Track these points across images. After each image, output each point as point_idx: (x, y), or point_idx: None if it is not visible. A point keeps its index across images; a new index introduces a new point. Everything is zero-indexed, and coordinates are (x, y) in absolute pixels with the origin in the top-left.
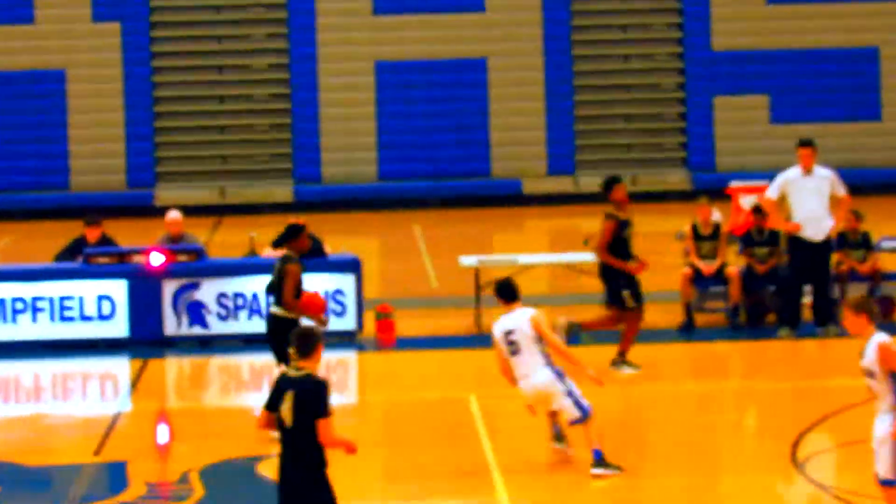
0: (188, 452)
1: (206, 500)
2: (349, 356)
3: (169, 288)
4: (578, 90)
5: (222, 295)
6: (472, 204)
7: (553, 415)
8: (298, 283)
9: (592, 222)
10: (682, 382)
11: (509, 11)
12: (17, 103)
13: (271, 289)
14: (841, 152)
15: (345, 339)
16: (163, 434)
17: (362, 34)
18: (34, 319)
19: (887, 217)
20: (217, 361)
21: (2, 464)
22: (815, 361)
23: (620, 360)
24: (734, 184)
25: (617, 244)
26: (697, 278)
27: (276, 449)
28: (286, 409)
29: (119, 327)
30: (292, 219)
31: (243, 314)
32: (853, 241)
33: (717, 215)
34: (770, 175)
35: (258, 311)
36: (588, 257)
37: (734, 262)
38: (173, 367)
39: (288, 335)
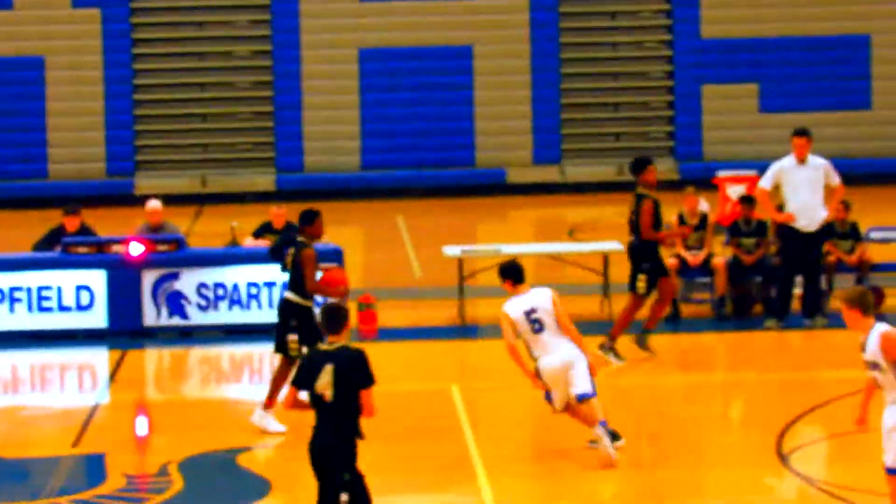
0: (167, 444)
1: (186, 492)
2: None
3: (148, 278)
4: (565, 78)
5: (203, 285)
6: (456, 193)
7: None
8: (316, 268)
9: (578, 212)
10: (668, 374)
11: None
12: None
13: (290, 278)
14: (831, 141)
15: None
16: (142, 426)
17: (346, 21)
18: (11, 310)
19: (876, 207)
20: (197, 352)
21: None
22: (801, 353)
23: (609, 345)
24: (722, 173)
25: (658, 224)
26: (683, 269)
27: (257, 441)
28: (325, 383)
29: (98, 318)
30: (275, 209)
31: (224, 305)
32: (841, 231)
33: (704, 205)
34: (758, 165)
35: (238, 302)
36: (573, 247)
37: (721, 253)
38: (153, 358)
39: (298, 321)
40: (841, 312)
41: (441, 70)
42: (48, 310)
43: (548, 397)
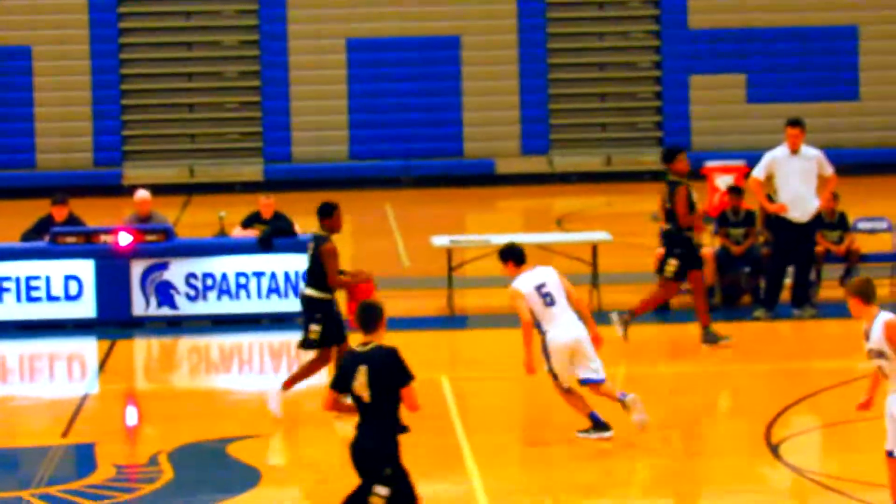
0: (157, 434)
1: (176, 482)
2: None
3: (137, 268)
4: (553, 69)
5: (191, 275)
6: (444, 184)
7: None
8: (337, 261)
9: (566, 202)
10: (657, 364)
11: None
12: None
13: (307, 271)
14: (818, 132)
15: None
16: (131, 416)
17: (334, 11)
18: (0, 300)
19: (864, 198)
20: (186, 342)
21: None
22: (790, 343)
23: (626, 318)
24: (710, 164)
25: (691, 210)
26: None
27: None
28: (361, 384)
29: (86, 308)
30: (263, 199)
31: (212, 295)
32: (829, 221)
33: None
34: (746, 155)
35: (227, 292)
36: (561, 238)
37: (709, 243)
38: (142, 348)
39: (322, 314)
40: (845, 302)
41: (429, 60)
42: (37, 300)
43: (555, 376)
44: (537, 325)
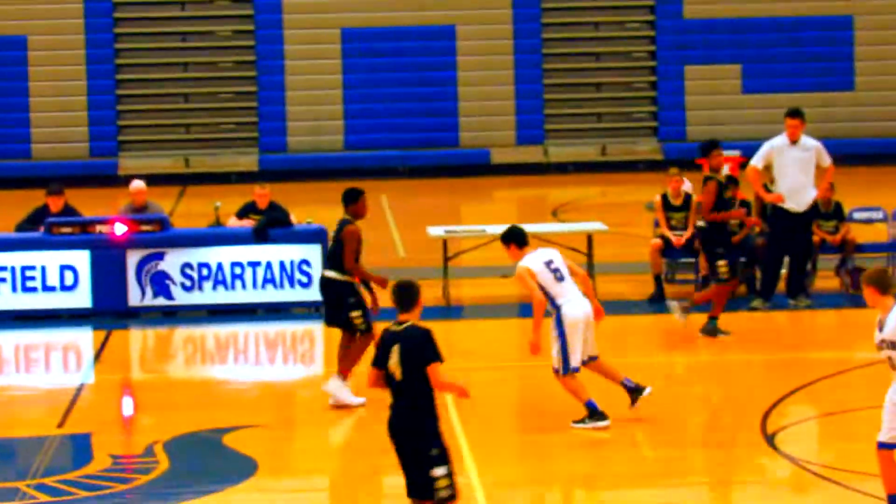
0: (153, 424)
1: (171, 472)
2: (315, 327)
3: (132, 258)
4: (548, 59)
5: (187, 265)
6: (439, 174)
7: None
8: (359, 246)
9: (561, 192)
10: (652, 354)
11: None
12: None
13: (329, 253)
14: (814, 122)
15: (311, 311)
16: (127, 406)
17: (329, 1)
18: None
19: (859, 188)
20: (181, 333)
21: None
22: (786, 333)
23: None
24: None
25: (722, 205)
26: (667, 249)
27: (244, 422)
28: (394, 363)
29: (82, 298)
30: (258, 189)
31: (208, 285)
32: (825, 211)
33: (687, 185)
34: (741, 145)
35: (223, 282)
36: (557, 228)
37: None
38: (137, 338)
39: (341, 298)
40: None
41: (424, 50)
42: (32, 290)
43: (565, 363)
44: (550, 301)
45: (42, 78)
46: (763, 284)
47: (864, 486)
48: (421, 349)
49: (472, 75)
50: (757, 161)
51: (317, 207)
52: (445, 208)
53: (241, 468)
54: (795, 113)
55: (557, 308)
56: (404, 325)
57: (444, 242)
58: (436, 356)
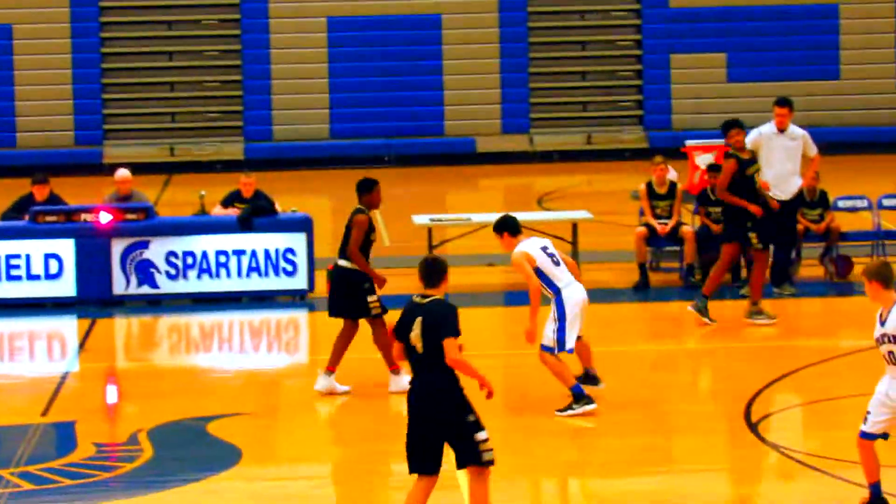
0: (137, 413)
1: (155, 460)
2: (300, 316)
3: (117, 247)
4: (533, 47)
5: (171, 254)
6: (425, 163)
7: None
8: (366, 235)
9: (547, 181)
10: (638, 342)
11: None
12: None
13: (342, 242)
14: (799, 111)
15: (296, 299)
16: (111, 394)
17: None
18: None
19: (844, 176)
20: (166, 321)
21: None
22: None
23: (756, 311)
24: (690, 142)
25: (744, 183)
26: (652, 237)
27: (228, 410)
28: (415, 335)
29: (67, 286)
30: (243, 178)
31: (193, 273)
32: (810, 200)
33: (672, 174)
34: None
35: (207, 271)
36: (542, 216)
37: (689, 222)
38: (122, 326)
39: (355, 286)
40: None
41: (410, 39)
42: (17, 278)
43: (560, 343)
44: (548, 285)
45: (27, 66)
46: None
47: (847, 473)
48: (442, 323)
49: (457, 64)
50: None
51: (302, 196)
52: (431, 197)
53: (225, 456)
54: (784, 102)
55: (557, 291)
56: (429, 299)
57: (430, 231)
58: (452, 331)
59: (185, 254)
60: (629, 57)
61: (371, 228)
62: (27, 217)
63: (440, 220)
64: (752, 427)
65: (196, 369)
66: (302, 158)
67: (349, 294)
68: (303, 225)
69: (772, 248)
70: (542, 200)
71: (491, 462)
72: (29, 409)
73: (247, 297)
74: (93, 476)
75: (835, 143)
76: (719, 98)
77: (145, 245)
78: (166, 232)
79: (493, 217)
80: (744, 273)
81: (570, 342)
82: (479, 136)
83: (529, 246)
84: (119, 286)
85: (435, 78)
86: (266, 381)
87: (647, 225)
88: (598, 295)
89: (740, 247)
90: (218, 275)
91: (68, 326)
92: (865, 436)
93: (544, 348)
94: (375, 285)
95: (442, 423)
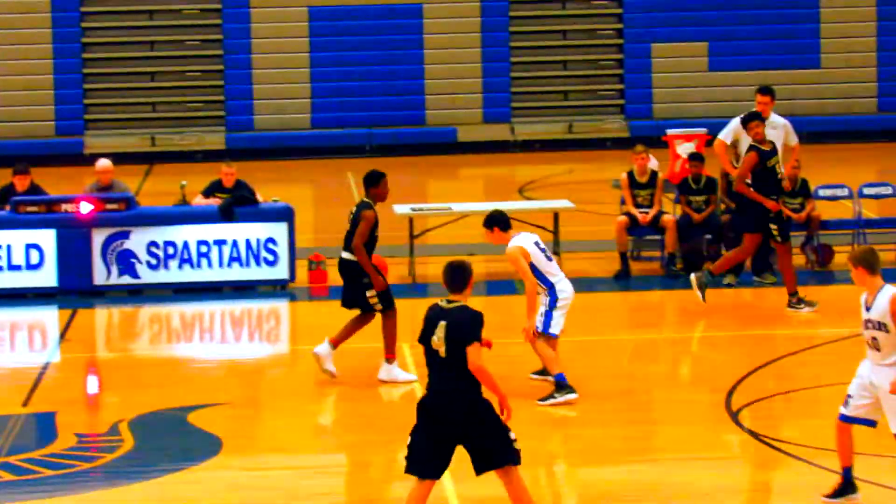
0: (118, 403)
1: (136, 450)
2: (281, 305)
3: (98, 237)
4: (514, 37)
5: (153, 244)
6: (406, 152)
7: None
8: (372, 230)
9: (528, 170)
10: (618, 331)
11: None
12: None
13: (347, 235)
14: (780, 100)
15: (277, 289)
16: (92, 385)
17: None
18: None
19: (825, 165)
20: (147, 311)
21: None
22: (750, 310)
23: (796, 300)
24: (671, 131)
25: (765, 175)
26: (633, 226)
27: (209, 401)
28: (438, 339)
29: (48, 277)
30: (225, 168)
31: (174, 263)
32: (792, 189)
33: (653, 163)
34: (708, 123)
35: (189, 261)
36: (523, 205)
37: (670, 211)
38: (103, 317)
39: (355, 279)
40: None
41: (391, 28)
42: None
43: (546, 325)
44: (541, 281)
45: (8, 56)
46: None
47: (827, 462)
48: (467, 328)
49: (438, 53)
50: (725, 135)
51: (283, 186)
52: (412, 186)
53: (206, 446)
54: (766, 90)
55: (551, 286)
56: (454, 304)
57: (411, 220)
58: (475, 337)
59: (167, 244)
60: (610, 46)
61: (377, 224)
62: (8, 207)
63: (421, 210)
64: (733, 416)
65: (177, 359)
66: (283, 148)
67: (351, 287)
68: (284, 215)
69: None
70: (523, 190)
71: (520, 459)
72: (10, 400)
73: (228, 286)
74: (74, 466)
75: (816, 132)
76: (701, 87)
77: (126, 235)
78: (147, 222)
79: (475, 207)
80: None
81: (556, 327)
82: (461, 125)
83: (524, 240)
84: (100, 276)
85: (416, 67)
86: (247, 371)
87: (629, 214)
88: (578, 284)
89: (762, 237)
90: (199, 265)
91: (49, 317)
92: (845, 419)
93: (535, 331)
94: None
95: (461, 428)
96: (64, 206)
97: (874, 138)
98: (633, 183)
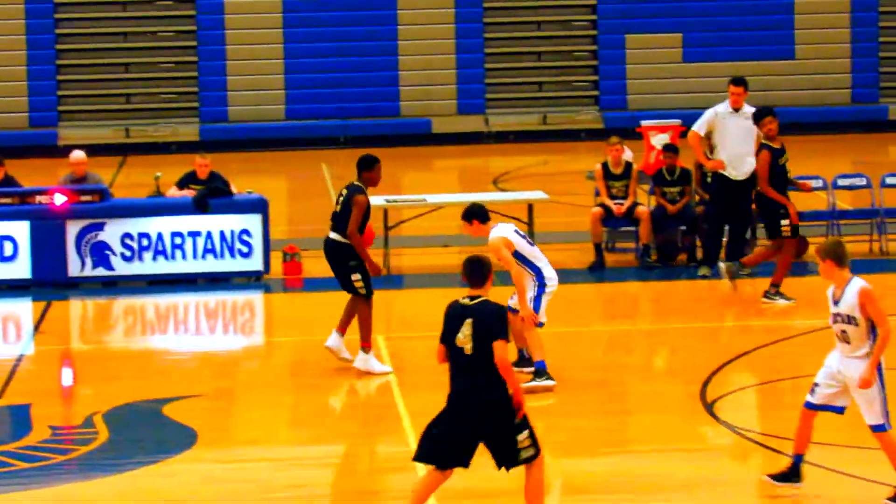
0: (92, 395)
1: (111, 443)
2: (256, 297)
3: (72, 229)
4: (488, 28)
5: (127, 236)
6: (380, 143)
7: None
8: (365, 216)
9: (502, 161)
10: (593, 322)
11: None
12: None
13: (335, 215)
14: (754, 91)
15: (251, 280)
16: (66, 377)
17: None
18: None
19: (799, 156)
20: (121, 303)
21: None
22: (725, 301)
23: (774, 291)
24: (646, 123)
25: (774, 173)
26: (608, 218)
27: (184, 392)
28: (465, 336)
29: (21, 269)
30: (199, 159)
31: (148, 255)
32: None
33: (628, 154)
34: (682, 114)
35: (163, 253)
36: (498, 197)
37: (645, 202)
38: (77, 309)
39: (344, 261)
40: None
41: (365, 20)
42: None
43: (535, 309)
44: (529, 267)
45: None
46: (705, 252)
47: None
48: (494, 324)
49: (413, 45)
50: (699, 127)
51: (257, 177)
52: (386, 178)
53: (180, 438)
54: (739, 81)
55: (538, 271)
56: (477, 300)
57: (385, 212)
58: (503, 333)
59: (141, 235)
60: (585, 37)
61: (369, 208)
62: None
63: (395, 202)
64: (708, 407)
65: (151, 351)
66: (257, 140)
67: (337, 270)
68: (258, 206)
69: (726, 227)
70: (497, 181)
71: (530, 459)
72: None
73: (202, 278)
74: (48, 459)
75: (790, 123)
76: (675, 78)
77: (100, 227)
78: (121, 214)
79: (449, 198)
80: (699, 254)
81: (543, 316)
82: (435, 116)
83: (505, 230)
84: (74, 268)
85: (390, 59)
86: (222, 362)
87: (603, 205)
88: None
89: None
90: (173, 256)
91: (23, 309)
92: (810, 406)
93: (514, 311)
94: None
95: (484, 426)
96: (38, 198)
97: (848, 129)
98: (607, 174)
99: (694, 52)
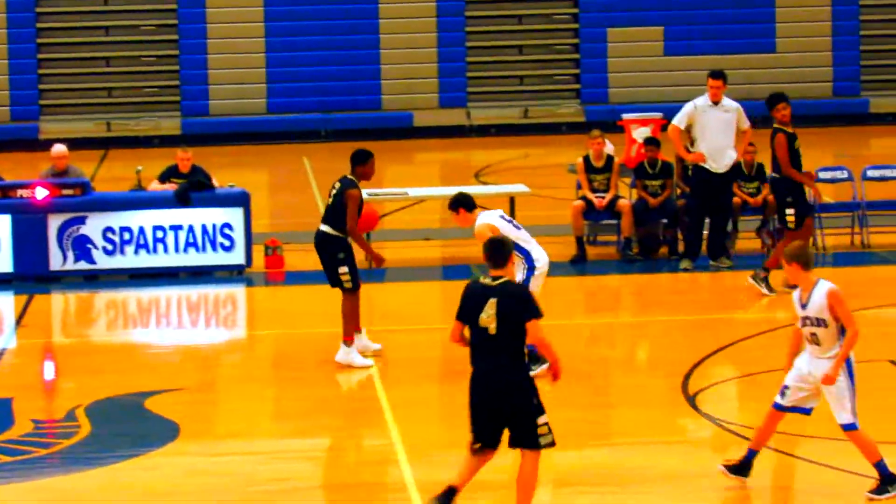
0: (74, 389)
1: (93, 436)
2: (238, 291)
3: (54, 222)
4: (470, 21)
5: (108, 229)
6: (362, 137)
7: None
8: (358, 208)
9: (483, 154)
10: (575, 315)
11: None
12: None
13: (327, 209)
14: (735, 84)
15: (233, 274)
16: (48, 371)
17: None
18: None
19: None
20: (103, 297)
21: None
22: (707, 294)
23: (763, 276)
24: (627, 116)
25: (792, 157)
26: (589, 211)
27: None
28: (489, 316)
29: (3, 263)
30: (181, 153)
31: (130, 249)
32: (747, 173)
33: (609, 147)
34: (664, 107)
35: (145, 246)
36: (479, 190)
37: (626, 195)
38: (59, 302)
39: (333, 253)
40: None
41: (347, 13)
42: None
43: None
44: (517, 249)
45: None
46: (687, 245)
47: (782, 446)
48: (521, 305)
49: (394, 38)
50: (679, 121)
51: (239, 171)
52: None
53: (163, 432)
54: (718, 74)
55: (527, 254)
56: (499, 281)
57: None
58: (536, 312)
59: (122, 229)
60: (566, 30)
61: (362, 202)
62: None
63: (377, 195)
64: (690, 399)
65: (133, 345)
66: (239, 133)
67: (325, 262)
68: (240, 200)
69: (707, 220)
70: (479, 174)
71: (549, 445)
72: None
73: (184, 272)
74: (30, 453)
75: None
76: (656, 72)
77: (82, 221)
78: (103, 207)
79: (431, 191)
80: (681, 247)
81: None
82: (417, 110)
83: (490, 217)
84: (56, 262)
85: (372, 52)
86: (204, 356)
87: (585, 198)
88: None
89: (811, 217)
90: (155, 250)
91: (5, 302)
92: (779, 407)
93: None
94: (373, 263)
95: (507, 407)
96: (19, 192)
97: (830, 122)
98: (588, 167)
99: (675, 46)
